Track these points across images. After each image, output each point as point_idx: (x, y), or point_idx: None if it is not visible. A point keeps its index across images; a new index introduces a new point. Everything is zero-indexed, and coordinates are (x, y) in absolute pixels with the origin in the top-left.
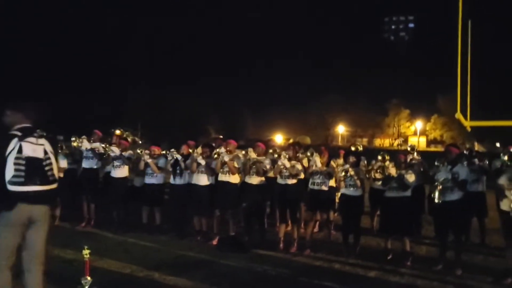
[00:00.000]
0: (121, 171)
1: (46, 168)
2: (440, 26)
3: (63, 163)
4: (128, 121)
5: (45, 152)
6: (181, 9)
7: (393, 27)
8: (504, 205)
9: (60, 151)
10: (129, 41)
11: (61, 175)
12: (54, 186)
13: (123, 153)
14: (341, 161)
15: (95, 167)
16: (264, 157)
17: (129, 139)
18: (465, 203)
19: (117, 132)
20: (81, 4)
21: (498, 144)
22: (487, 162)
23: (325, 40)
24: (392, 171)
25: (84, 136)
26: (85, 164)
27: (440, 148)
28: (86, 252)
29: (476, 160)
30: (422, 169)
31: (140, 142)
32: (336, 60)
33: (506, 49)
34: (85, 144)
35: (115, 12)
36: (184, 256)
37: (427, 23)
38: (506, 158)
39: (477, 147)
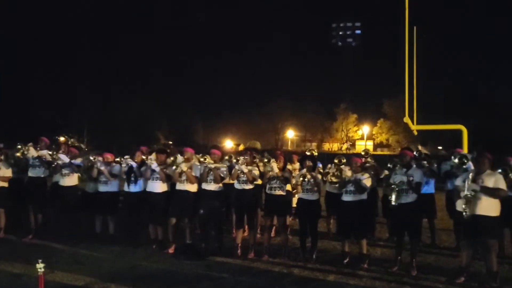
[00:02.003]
0: (70, 180)
1: None
2: (386, 32)
3: (8, 172)
4: (74, 128)
5: None
6: (127, 12)
7: (340, 33)
8: (459, 206)
9: (5, 159)
10: (74, 45)
11: (6, 184)
12: None
13: (72, 161)
14: (295, 165)
15: (42, 175)
16: (221, 164)
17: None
18: (418, 205)
19: (62, 139)
20: (25, 5)
21: (440, 147)
22: (435, 165)
23: (274, 45)
24: (349, 174)
25: (30, 144)
26: (32, 172)
27: (386, 152)
28: (40, 266)
29: (425, 163)
30: (378, 172)
31: (86, 149)
32: (285, 65)
33: (448, 54)
34: (32, 152)
35: (59, 15)
36: (139, 266)
37: (374, 29)
38: (457, 160)
39: (420, 150)
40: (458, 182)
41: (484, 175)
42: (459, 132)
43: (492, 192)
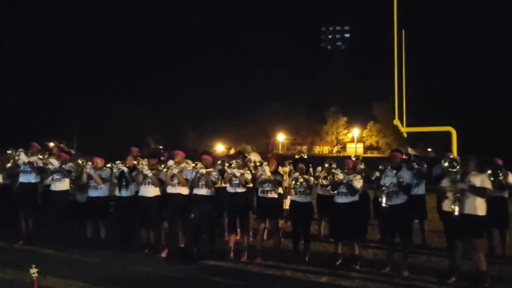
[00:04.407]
0: (61, 185)
1: None
2: (375, 36)
3: None
4: (64, 133)
5: None
6: (117, 13)
7: (330, 36)
8: (446, 206)
9: None
10: (63, 49)
11: None
12: None
13: (63, 166)
14: (286, 168)
15: (33, 181)
16: (212, 169)
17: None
18: (409, 206)
19: (51, 144)
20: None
21: (429, 150)
22: (425, 166)
23: (264, 49)
24: (341, 176)
25: (21, 149)
26: (22, 178)
27: (376, 154)
28: (34, 271)
29: (414, 165)
30: (368, 175)
31: (74, 153)
32: (274, 69)
33: (436, 58)
34: (23, 158)
35: (46, 18)
36: (132, 270)
37: (363, 33)
38: (446, 164)
39: (410, 152)
40: (443, 183)
41: (470, 176)
42: (449, 134)
43: (480, 191)
